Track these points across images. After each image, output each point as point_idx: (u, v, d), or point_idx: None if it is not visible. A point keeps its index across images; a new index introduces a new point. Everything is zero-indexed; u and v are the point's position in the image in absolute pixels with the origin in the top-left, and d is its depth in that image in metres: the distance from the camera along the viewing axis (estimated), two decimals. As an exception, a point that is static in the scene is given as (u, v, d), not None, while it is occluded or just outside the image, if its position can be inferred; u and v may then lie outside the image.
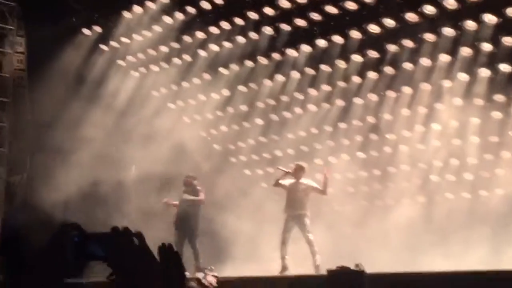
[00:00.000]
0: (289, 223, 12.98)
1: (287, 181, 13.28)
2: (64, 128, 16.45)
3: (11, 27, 17.19)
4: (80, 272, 1.78)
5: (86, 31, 17.24)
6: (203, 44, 16.41)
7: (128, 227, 1.79)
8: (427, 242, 14.43)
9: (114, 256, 1.75)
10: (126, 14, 16.69)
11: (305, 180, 13.27)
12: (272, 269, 13.11)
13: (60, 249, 1.76)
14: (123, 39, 17.09)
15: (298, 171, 13.31)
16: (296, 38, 15.35)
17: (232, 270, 13.54)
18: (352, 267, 9.88)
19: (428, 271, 10.87)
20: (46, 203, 15.49)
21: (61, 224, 1.79)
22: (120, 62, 17.47)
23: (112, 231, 1.77)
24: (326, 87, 16.01)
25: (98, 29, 17.22)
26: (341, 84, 15.75)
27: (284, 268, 12.80)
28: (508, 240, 13.60)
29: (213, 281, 8.91)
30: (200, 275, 11.42)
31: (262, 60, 16.12)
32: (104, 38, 17.23)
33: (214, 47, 16.36)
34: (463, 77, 14.30)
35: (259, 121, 17.31)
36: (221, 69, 16.66)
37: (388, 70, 14.99)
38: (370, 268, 10.09)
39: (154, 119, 17.46)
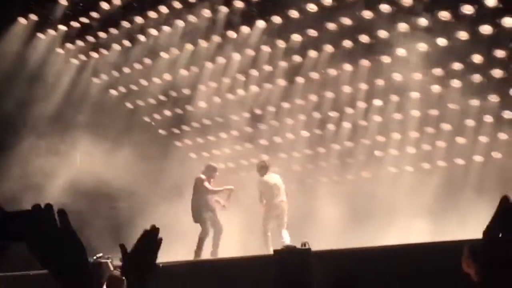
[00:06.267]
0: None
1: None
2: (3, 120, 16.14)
3: None
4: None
5: (22, 19, 16.89)
6: (142, 29, 16.24)
7: (51, 203, 1.68)
8: (372, 216, 14.61)
9: (31, 236, 1.65)
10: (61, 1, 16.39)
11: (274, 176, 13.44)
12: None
13: None
14: (61, 26, 16.80)
15: (260, 169, 13.47)
16: (236, 19, 15.32)
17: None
18: (298, 245, 9.98)
19: (372, 246, 11.01)
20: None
21: None
22: (59, 50, 17.17)
23: (32, 208, 1.67)
24: (268, 67, 16.02)
25: (34, 17, 16.89)
26: (283, 63, 15.77)
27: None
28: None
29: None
30: None
31: (203, 43, 16.05)
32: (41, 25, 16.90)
33: (153, 32, 16.21)
34: (401, 52, 14.43)
35: (203, 104, 17.27)
36: (162, 53, 16.54)
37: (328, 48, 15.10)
38: (317, 245, 10.22)
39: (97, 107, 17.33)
